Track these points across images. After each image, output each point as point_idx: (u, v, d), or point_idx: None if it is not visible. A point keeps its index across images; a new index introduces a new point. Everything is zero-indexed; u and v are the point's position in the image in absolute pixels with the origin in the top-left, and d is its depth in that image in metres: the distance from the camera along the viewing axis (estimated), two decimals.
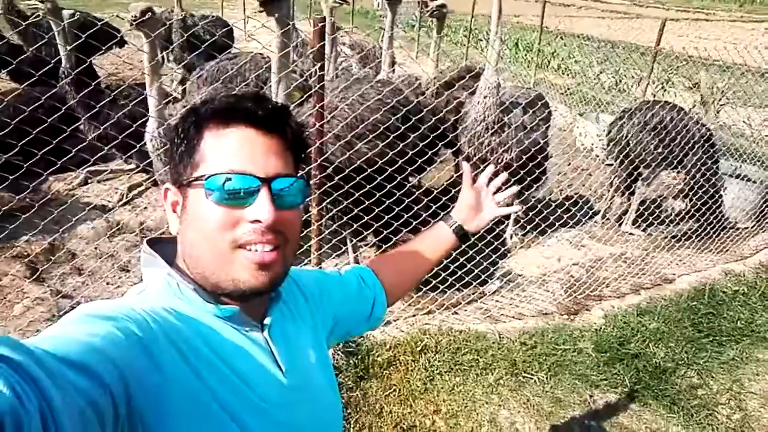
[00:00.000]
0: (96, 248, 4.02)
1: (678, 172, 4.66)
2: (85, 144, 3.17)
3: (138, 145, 3.18)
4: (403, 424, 2.70)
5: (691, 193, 4.61)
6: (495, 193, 1.37)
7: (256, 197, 0.79)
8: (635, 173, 4.66)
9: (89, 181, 5.10)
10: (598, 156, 6.21)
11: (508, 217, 4.46)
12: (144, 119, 3.17)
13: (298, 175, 0.88)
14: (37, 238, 3.84)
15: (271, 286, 0.84)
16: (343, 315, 1.15)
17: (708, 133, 4.60)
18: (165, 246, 0.89)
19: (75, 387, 0.55)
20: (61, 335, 0.62)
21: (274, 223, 0.80)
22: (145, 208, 4.75)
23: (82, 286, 3.60)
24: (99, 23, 3.44)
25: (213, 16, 7.48)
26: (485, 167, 1.40)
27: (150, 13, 2.95)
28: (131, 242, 4.11)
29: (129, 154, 3.38)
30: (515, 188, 1.42)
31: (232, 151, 0.80)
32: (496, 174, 1.39)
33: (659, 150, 4.35)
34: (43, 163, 2.78)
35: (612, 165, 4.92)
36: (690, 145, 4.38)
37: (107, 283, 3.68)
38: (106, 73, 5.33)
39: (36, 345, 0.56)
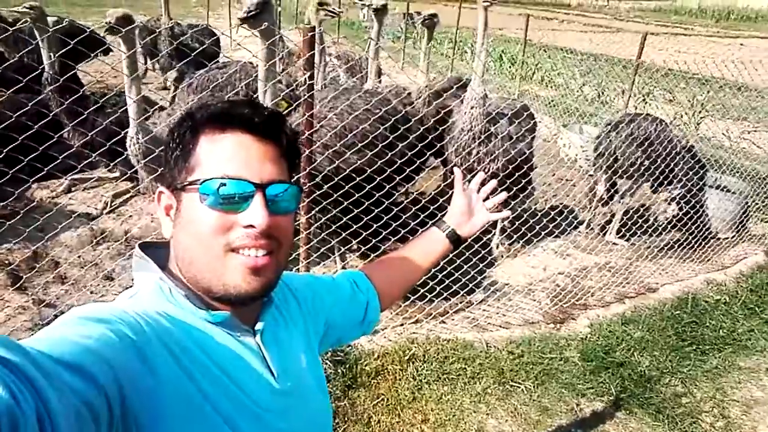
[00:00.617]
0: (80, 257, 3.97)
1: (665, 184, 4.74)
2: (71, 151, 3.13)
3: (125, 153, 3.16)
4: None
5: (678, 202, 4.70)
6: (485, 199, 1.39)
7: (250, 202, 0.80)
8: (619, 184, 4.74)
9: (73, 188, 5.04)
10: (581, 167, 6.29)
11: (495, 225, 4.50)
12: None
13: (292, 181, 0.89)
14: (20, 246, 3.78)
15: (263, 291, 0.84)
16: (336, 320, 1.15)
17: (689, 145, 4.71)
18: (157, 250, 0.89)
19: (71, 388, 0.55)
20: (55, 337, 0.62)
21: (268, 229, 0.80)
22: (131, 216, 4.71)
23: (66, 295, 3.54)
24: (85, 30, 3.42)
25: (201, 25, 7.47)
26: (473, 177, 1.43)
27: (126, 20, 3.00)
28: (116, 251, 4.06)
29: (114, 162, 3.36)
30: (504, 195, 1.45)
31: (228, 156, 0.81)
32: (485, 182, 1.42)
33: (644, 162, 4.42)
34: (27, 169, 2.75)
35: (594, 176, 4.99)
36: (674, 156, 4.47)
37: (91, 292, 3.62)
38: (91, 81, 5.28)
39: (31, 346, 0.56)
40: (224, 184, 0.79)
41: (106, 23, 2.95)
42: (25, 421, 0.46)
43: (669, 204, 4.82)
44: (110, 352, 0.64)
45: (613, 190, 4.83)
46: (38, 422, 0.48)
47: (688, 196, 4.61)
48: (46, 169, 2.40)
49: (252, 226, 0.79)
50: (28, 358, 0.52)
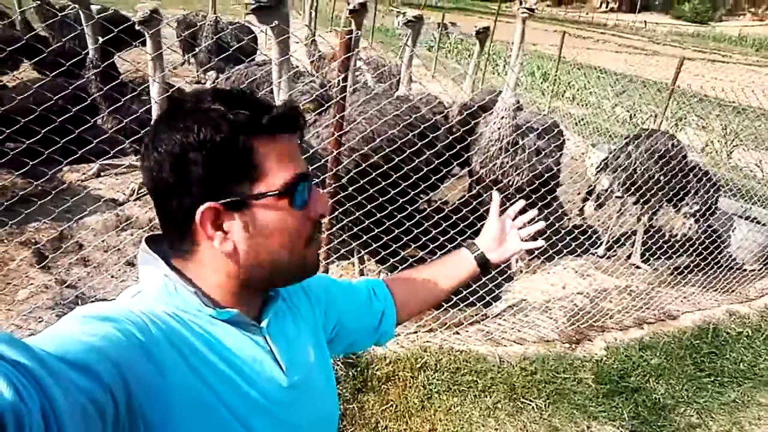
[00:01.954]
0: (104, 241, 4.04)
1: (675, 201, 4.69)
2: (104, 136, 3.21)
3: None
4: None
5: (696, 219, 4.65)
6: (521, 228, 1.35)
7: (311, 194, 0.85)
8: (641, 202, 4.67)
9: (103, 173, 5.14)
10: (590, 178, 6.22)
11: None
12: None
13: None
14: (46, 226, 3.87)
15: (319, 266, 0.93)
16: (348, 323, 1.15)
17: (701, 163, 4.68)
18: (163, 245, 0.87)
19: (76, 386, 0.55)
20: (60, 335, 0.63)
21: None
22: None
23: (87, 277, 3.61)
24: (128, 20, 3.51)
25: (238, 23, 7.58)
26: (498, 188, 1.41)
27: (155, 14, 3.16)
28: (139, 237, 4.13)
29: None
30: (542, 224, 1.39)
31: (288, 156, 0.83)
32: (523, 210, 1.38)
33: (658, 177, 4.38)
34: (61, 151, 2.82)
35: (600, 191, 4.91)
36: (687, 172, 4.44)
37: (112, 276, 3.69)
38: (129, 69, 5.40)
39: (36, 344, 0.57)
40: (304, 184, 0.83)
41: (139, 17, 3.12)
42: (30, 419, 0.46)
43: (686, 220, 4.75)
44: (116, 350, 0.65)
45: (632, 209, 4.77)
46: (43, 420, 0.48)
47: (704, 209, 4.56)
48: (80, 152, 2.45)
49: (323, 216, 0.88)
50: (34, 357, 0.52)
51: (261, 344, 0.87)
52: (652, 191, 4.41)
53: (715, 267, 4.57)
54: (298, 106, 0.91)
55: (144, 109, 3.08)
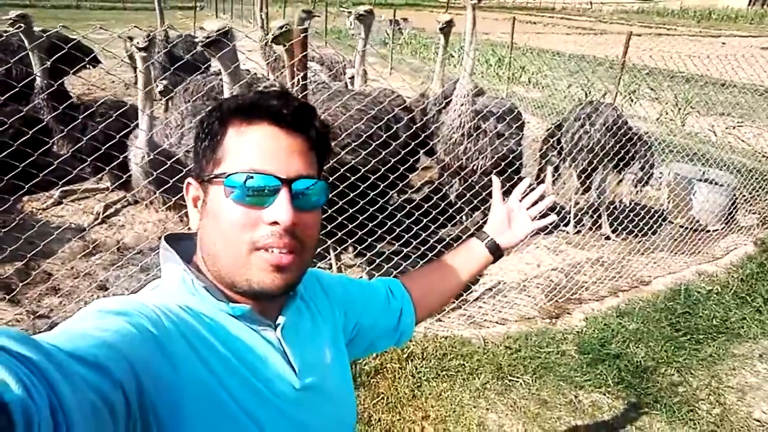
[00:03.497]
0: (72, 267, 3.94)
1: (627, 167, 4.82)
2: (61, 160, 3.12)
3: (114, 162, 3.15)
4: (393, 431, 2.69)
5: (638, 181, 4.79)
6: (530, 208, 1.32)
7: (275, 198, 0.78)
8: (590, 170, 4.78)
9: (63, 200, 5.01)
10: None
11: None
12: (122, 135, 3.14)
13: (320, 176, 0.87)
14: (11, 258, 3.75)
15: (286, 288, 0.83)
16: (367, 323, 1.12)
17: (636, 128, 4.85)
18: (183, 242, 0.89)
19: (85, 381, 0.54)
20: (72, 330, 0.62)
21: (293, 226, 0.78)
22: (123, 226, 4.69)
23: (60, 306, 3.52)
24: (72, 39, 3.42)
25: (188, 34, 7.47)
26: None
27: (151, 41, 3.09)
28: (108, 260, 4.04)
29: (102, 173, 3.35)
30: (551, 199, 1.35)
31: (255, 149, 0.79)
32: (530, 188, 1.36)
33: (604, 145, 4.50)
34: (13, 184, 2.73)
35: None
36: (631, 137, 4.58)
37: (85, 303, 3.60)
38: (81, 92, 5.29)
39: (46, 339, 0.56)
40: (251, 178, 0.77)
41: (134, 44, 2.98)
42: (39, 416, 0.46)
43: (630, 184, 4.88)
44: (128, 345, 0.64)
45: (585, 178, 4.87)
46: (52, 416, 0.47)
47: (643, 173, 4.72)
48: (40, 175, 2.39)
49: (276, 223, 0.77)
50: (42, 352, 0.51)
51: (274, 344, 0.86)
52: (600, 159, 4.52)
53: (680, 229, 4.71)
54: (306, 103, 0.87)
55: (99, 129, 2.99)
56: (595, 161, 4.52)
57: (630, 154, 4.63)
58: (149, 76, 3.08)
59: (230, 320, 0.82)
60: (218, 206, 0.79)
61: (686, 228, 4.90)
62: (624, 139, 4.52)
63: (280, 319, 0.88)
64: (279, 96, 0.83)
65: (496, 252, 1.30)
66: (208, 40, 2.63)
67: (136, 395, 0.62)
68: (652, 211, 4.84)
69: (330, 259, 3.73)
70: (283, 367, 0.85)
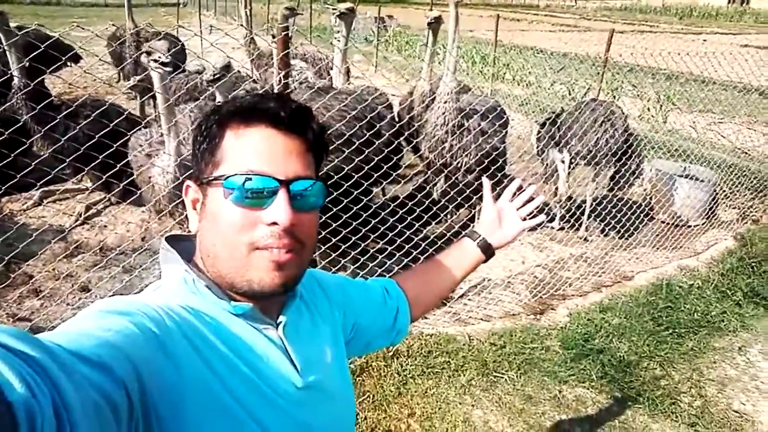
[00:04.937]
0: (54, 269, 3.89)
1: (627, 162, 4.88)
2: (40, 160, 3.07)
3: (94, 162, 3.10)
4: (379, 429, 2.70)
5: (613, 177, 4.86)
6: (520, 208, 1.35)
7: (274, 199, 0.79)
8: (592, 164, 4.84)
9: (44, 201, 4.94)
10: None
11: (474, 220, 4.55)
12: (101, 135, 3.08)
13: (318, 176, 0.88)
14: None
15: (286, 287, 0.83)
16: (365, 323, 1.14)
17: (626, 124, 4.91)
18: (184, 243, 0.89)
19: (89, 381, 0.54)
20: (74, 330, 0.62)
21: (292, 226, 0.79)
22: (105, 226, 4.64)
23: (41, 308, 3.47)
24: (51, 37, 3.37)
25: (165, 32, 7.40)
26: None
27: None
28: (91, 262, 4.00)
29: (83, 173, 3.29)
30: (540, 199, 1.38)
31: (252, 150, 0.80)
32: (520, 189, 1.38)
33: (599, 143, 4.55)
34: None
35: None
36: (623, 133, 4.65)
37: (67, 305, 3.56)
38: (61, 91, 5.21)
39: (49, 339, 0.56)
40: (249, 180, 0.78)
41: (155, 58, 2.90)
42: (42, 415, 0.45)
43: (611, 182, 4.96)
44: (130, 345, 0.64)
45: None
46: (55, 415, 0.47)
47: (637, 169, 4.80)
48: (13, 181, 2.35)
49: (275, 224, 0.78)
50: (45, 351, 0.51)
51: (276, 342, 0.86)
52: (605, 156, 4.57)
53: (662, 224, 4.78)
54: (303, 105, 0.87)
55: (78, 129, 2.94)
56: (603, 160, 4.58)
57: (632, 147, 4.71)
58: (167, 95, 3.04)
59: (232, 319, 0.82)
60: (217, 208, 0.80)
61: (668, 223, 4.95)
62: (631, 138, 4.59)
63: (282, 318, 0.89)
64: (276, 98, 0.84)
65: (488, 251, 1.32)
66: (214, 77, 2.84)
67: (139, 395, 0.62)
68: (635, 207, 4.88)
69: (314, 258, 3.72)
70: (285, 366, 0.85)
